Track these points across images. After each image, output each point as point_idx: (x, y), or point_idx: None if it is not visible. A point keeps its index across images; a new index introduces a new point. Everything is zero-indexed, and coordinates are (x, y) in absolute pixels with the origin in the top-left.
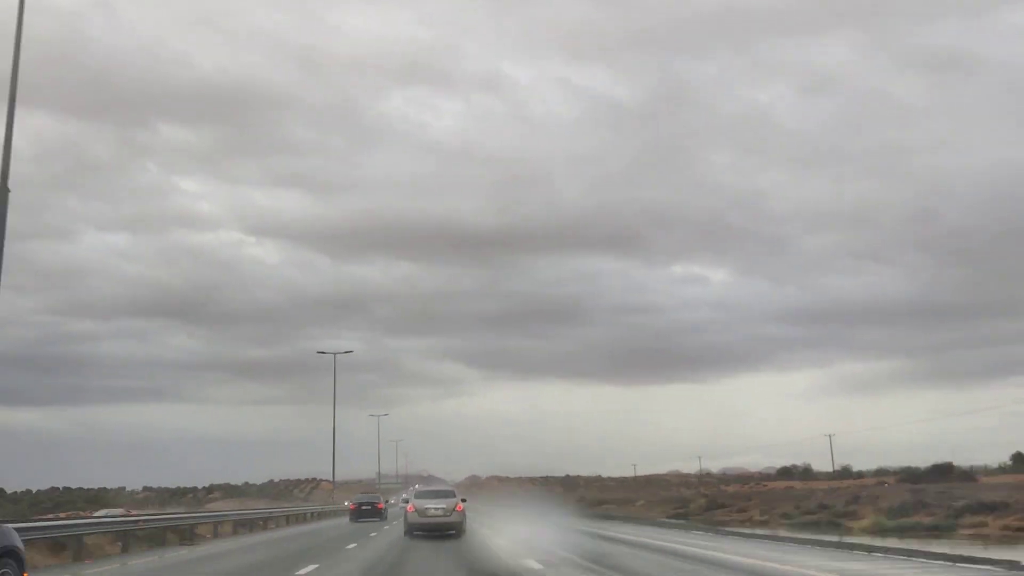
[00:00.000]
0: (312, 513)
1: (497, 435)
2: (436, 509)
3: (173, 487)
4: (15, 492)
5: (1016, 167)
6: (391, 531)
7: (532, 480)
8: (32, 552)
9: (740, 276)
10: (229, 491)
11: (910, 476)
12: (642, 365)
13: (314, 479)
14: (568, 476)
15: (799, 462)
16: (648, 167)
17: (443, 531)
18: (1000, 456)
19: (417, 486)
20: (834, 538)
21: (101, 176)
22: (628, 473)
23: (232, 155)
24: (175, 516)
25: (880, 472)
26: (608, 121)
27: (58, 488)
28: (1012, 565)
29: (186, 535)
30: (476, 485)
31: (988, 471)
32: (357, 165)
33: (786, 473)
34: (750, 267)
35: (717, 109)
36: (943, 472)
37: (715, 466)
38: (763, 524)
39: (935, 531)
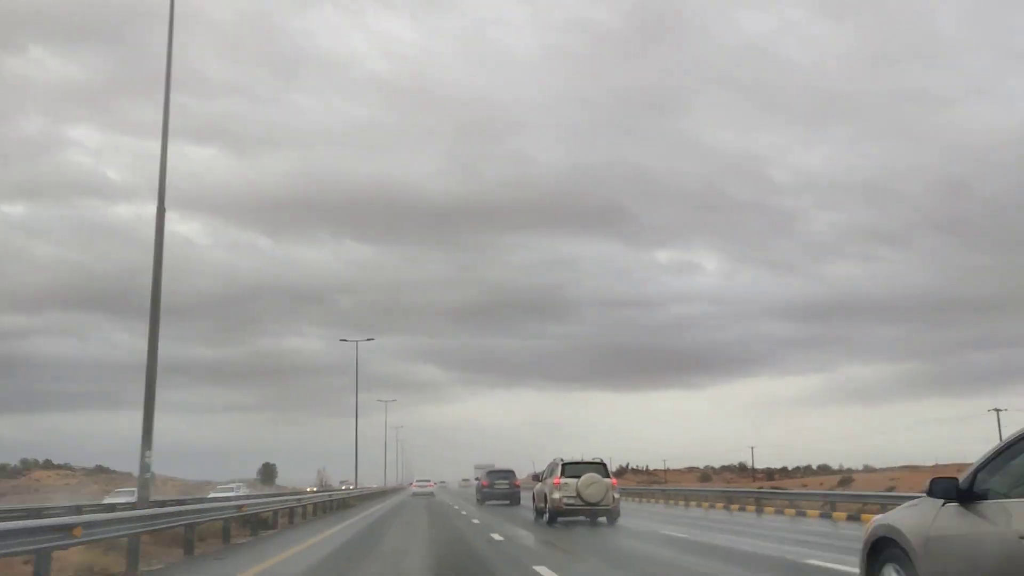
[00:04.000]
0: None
1: (483, 446)
2: (589, 489)
3: None
4: None
5: None
6: None
7: None
8: None
9: (737, 262)
10: None
11: None
12: (633, 368)
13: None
14: None
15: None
16: (630, 120)
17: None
18: None
19: (560, 459)
20: None
21: None
22: None
23: (126, 95)
24: None
25: None
26: (580, 54)
27: None
28: None
29: None
30: None
31: None
32: (282, 108)
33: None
34: (748, 251)
35: (713, 39)
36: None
37: None
38: None
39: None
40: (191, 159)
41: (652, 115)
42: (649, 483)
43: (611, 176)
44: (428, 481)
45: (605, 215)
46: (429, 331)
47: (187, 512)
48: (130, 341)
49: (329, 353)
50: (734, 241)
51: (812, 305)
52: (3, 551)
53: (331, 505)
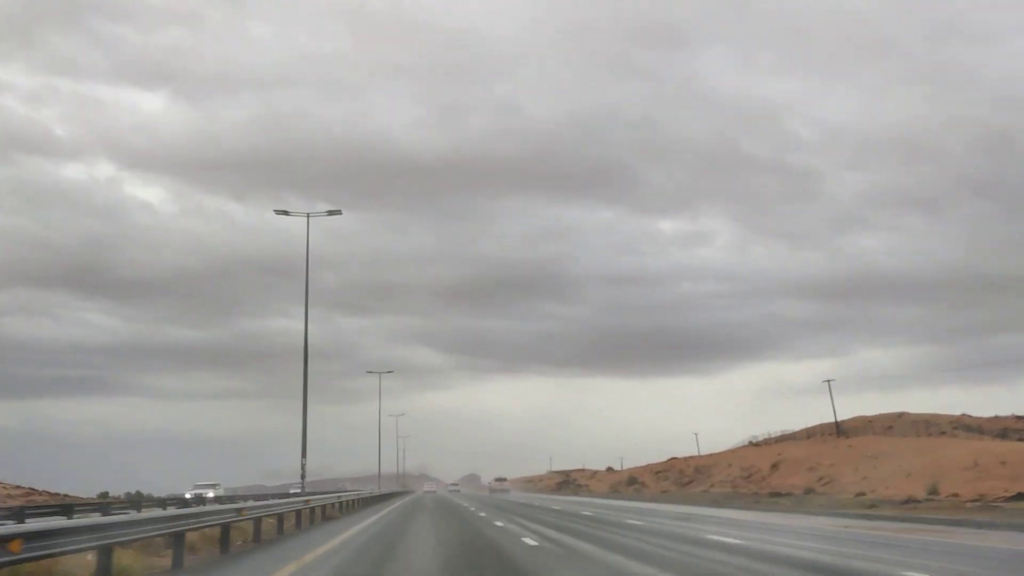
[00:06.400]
0: None
1: (490, 436)
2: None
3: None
4: None
5: None
6: None
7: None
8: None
9: (751, 233)
10: None
11: None
12: (639, 352)
13: None
14: None
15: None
16: (633, 60)
17: None
18: None
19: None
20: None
21: None
22: None
23: (57, 28)
24: None
25: None
26: None
27: None
28: None
29: None
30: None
31: None
32: (235, 41)
33: None
34: (764, 220)
35: None
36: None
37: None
38: None
39: None
40: (139, 109)
41: (657, 54)
42: None
43: (612, 129)
44: (434, 482)
45: (606, 176)
46: (422, 311)
47: None
48: (107, 322)
49: (320, 335)
50: (748, 207)
51: (830, 283)
52: None
53: None
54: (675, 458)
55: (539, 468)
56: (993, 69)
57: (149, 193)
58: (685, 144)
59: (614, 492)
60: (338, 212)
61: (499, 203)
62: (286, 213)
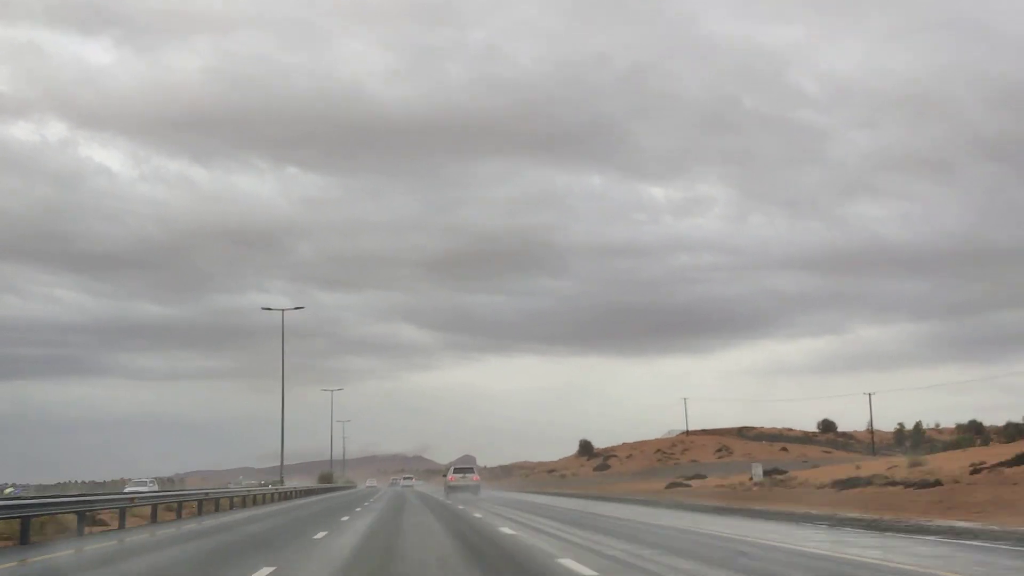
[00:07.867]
0: None
1: (485, 421)
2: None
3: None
4: None
5: None
6: None
7: None
8: None
9: (750, 199)
10: None
11: None
12: (635, 330)
13: None
14: None
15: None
16: (624, 2)
17: None
18: None
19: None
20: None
21: None
22: None
23: None
24: None
25: None
26: None
27: None
28: None
29: None
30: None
31: None
32: None
33: None
34: (764, 185)
35: None
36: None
37: None
38: None
39: None
40: (83, 58)
41: (646, 4)
42: None
43: (602, 80)
44: (375, 478)
45: (596, 135)
46: (404, 285)
47: None
48: (75, 298)
49: (299, 311)
50: (748, 171)
51: (832, 255)
52: None
53: None
54: None
55: (546, 452)
56: (1015, 18)
57: (106, 156)
58: (680, 97)
59: None
60: None
61: (483, 167)
62: None
